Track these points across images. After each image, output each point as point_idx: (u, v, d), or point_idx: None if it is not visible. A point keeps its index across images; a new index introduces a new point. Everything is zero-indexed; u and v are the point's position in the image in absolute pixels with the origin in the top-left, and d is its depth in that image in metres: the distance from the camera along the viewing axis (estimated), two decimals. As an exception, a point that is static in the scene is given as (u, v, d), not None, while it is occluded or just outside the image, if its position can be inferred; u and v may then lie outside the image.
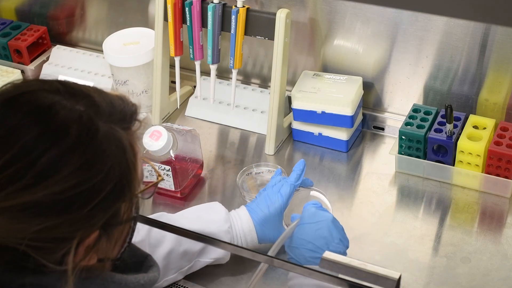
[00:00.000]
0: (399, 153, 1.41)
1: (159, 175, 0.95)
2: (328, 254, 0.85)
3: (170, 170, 1.34)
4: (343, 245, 1.15)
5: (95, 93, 0.83)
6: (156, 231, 1.16)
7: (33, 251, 0.77)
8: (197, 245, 1.19)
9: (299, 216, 1.19)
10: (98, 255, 0.84)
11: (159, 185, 1.38)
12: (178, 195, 1.40)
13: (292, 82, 1.54)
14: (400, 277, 0.81)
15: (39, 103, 0.79)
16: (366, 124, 1.55)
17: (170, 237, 1.16)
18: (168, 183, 1.37)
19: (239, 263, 1.25)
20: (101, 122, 0.80)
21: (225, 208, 1.23)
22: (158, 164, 1.34)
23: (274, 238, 1.18)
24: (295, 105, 1.48)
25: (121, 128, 0.82)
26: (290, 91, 1.51)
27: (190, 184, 1.41)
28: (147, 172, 1.31)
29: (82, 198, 0.77)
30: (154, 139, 1.31)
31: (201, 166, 1.45)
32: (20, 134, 0.76)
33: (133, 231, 0.89)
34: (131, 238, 0.89)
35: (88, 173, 0.77)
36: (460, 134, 1.37)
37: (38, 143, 0.76)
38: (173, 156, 1.34)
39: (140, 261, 0.98)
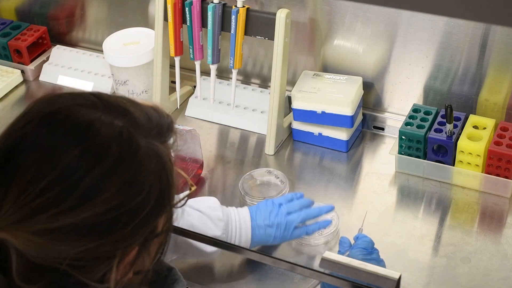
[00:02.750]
0: (399, 153, 1.41)
1: (192, 185, 0.92)
2: (328, 254, 0.85)
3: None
4: None
5: (132, 106, 0.80)
6: None
7: (74, 271, 0.75)
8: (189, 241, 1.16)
9: (361, 239, 1.18)
10: (134, 269, 0.82)
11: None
12: (178, 195, 1.40)
13: (292, 82, 1.54)
14: (400, 277, 0.81)
15: (78, 121, 0.76)
16: (366, 124, 1.55)
17: None
18: None
19: (239, 262, 1.25)
20: (141, 137, 0.78)
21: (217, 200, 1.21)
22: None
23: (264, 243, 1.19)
24: (295, 105, 1.48)
25: (159, 142, 0.80)
26: (290, 91, 1.51)
27: (190, 184, 1.41)
28: None
29: (124, 217, 0.75)
30: None
31: (201, 166, 1.45)
32: (61, 154, 0.74)
33: (167, 242, 0.86)
34: (163, 249, 0.86)
35: (130, 192, 0.75)
36: (460, 134, 1.37)
37: (80, 164, 0.74)
38: (173, 156, 1.33)
39: (164, 275, 0.95)
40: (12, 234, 0.74)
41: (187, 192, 0.90)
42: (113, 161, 0.75)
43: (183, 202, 0.89)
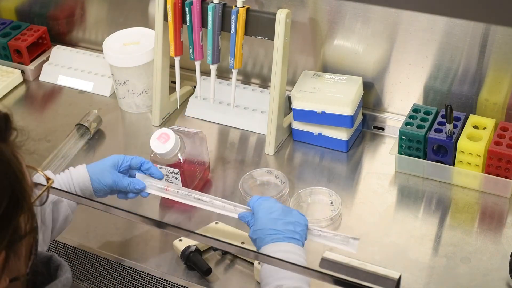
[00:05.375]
0: (399, 153, 1.41)
1: (48, 178, 0.89)
2: (328, 254, 0.85)
3: (179, 173, 1.33)
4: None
5: None
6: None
7: None
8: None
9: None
10: (9, 276, 0.80)
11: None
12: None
13: (292, 82, 1.54)
14: (400, 277, 0.81)
15: None
16: (366, 124, 1.55)
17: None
18: (176, 186, 1.36)
19: (239, 263, 1.25)
20: None
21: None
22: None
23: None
24: (295, 105, 1.48)
25: None
26: (290, 91, 1.51)
27: (197, 186, 1.40)
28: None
29: None
30: (162, 142, 1.30)
31: (208, 167, 1.44)
32: None
33: (37, 241, 0.85)
34: (36, 249, 0.85)
35: None
36: (460, 134, 1.37)
37: None
38: (181, 159, 1.33)
39: (45, 263, 0.94)
40: None
41: (44, 188, 0.88)
42: None
43: (44, 197, 0.87)
